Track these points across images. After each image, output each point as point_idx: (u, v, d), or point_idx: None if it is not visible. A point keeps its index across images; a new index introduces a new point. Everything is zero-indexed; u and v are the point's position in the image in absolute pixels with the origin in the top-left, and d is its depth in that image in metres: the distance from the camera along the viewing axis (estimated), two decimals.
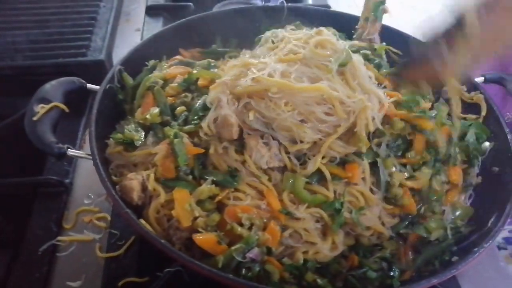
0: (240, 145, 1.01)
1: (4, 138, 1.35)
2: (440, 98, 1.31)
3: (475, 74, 1.31)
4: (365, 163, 1.02)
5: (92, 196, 1.20)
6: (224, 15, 1.44)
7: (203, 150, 1.01)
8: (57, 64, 1.46)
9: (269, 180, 1.00)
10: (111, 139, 1.09)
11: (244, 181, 0.99)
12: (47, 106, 1.05)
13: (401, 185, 1.04)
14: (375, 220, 1.02)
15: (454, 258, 0.97)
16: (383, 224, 1.04)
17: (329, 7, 1.83)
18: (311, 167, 0.99)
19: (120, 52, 1.61)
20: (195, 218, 0.93)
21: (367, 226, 1.01)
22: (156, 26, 1.78)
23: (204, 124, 1.02)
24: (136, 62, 1.25)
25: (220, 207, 0.98)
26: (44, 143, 1.00)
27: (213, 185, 0.97)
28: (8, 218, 1.23)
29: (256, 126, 1.00)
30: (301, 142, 0.99)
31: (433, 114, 1.21)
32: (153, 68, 1.25)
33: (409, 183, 1.06)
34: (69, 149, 1.00)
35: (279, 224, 0.96)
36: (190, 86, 1.17)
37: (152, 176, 0.99)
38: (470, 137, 1.16)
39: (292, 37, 1.10)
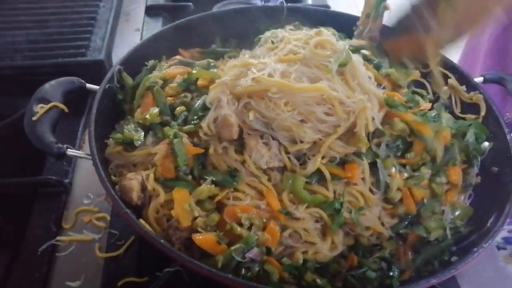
0: (240, 145, 1.01)
1: (3, 138, 1.35)
2: (440, 98, 1.32)
3: (474, 74, 1.31)
4: (365, 163, 1.02)
5: (91, 196, 1.19)
6: (224, 15, 1.44)
7: (202, 150, 1.01)
8: (57, 64, 1.46)
9: (269, 180, 1.00)
10: (110, 139, 1.09)
11: (243, 181, 0.99)
12: (47, 106, 1.05)
13: (399, 189, 1.04)
14: (374, 220, 1.02)
15: (454, 258, 0.97)
16: (382, 224, 1.04)
17: (328, 7, 1.83)
18: (310, 167, 0.99)
19: (120, 52, 1.61)
20: (195, 218, 0.93)
21: (366, 226, 1.01)
22: (155, 26, 1.78)
23: (204, 124, 1.02)
24: (136, 62, 1.25)
25: (219, 207, 0.98)
26: (43, 143, 1.00)
27: (213, 185, 0.97)
28: (8, 218, 1.23)
29: (256, 126, 1.00)
30: (301, 142, 0.99)
31: (433, 114, 1.21)
32: (153, 68, 1.25)
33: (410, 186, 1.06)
34: (68, 149, 1.00)
35: (278, 224, 0.96)
36: (190, 86, 1.17)
37: (151, 176, 0.99)
38: (470, 137, 1.16)
39: (292, 37, 1.10)
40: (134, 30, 1.77)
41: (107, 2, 1.77)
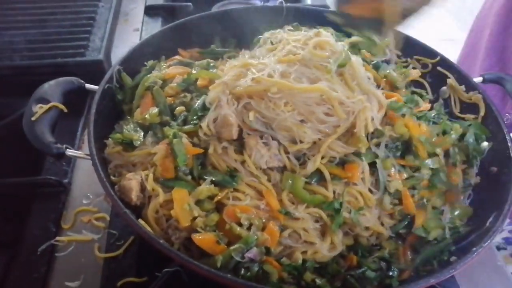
0: (240, 145, 1.01)
1: (2, 138, 1.34)
2: (440, 99, 1.32)
3: (473, 74, 1.31)
4: (364, 163, 1.03)
5: (90, 196, 1.19)
6: (223, 15, 1.44)
7: (202, 150, 1.01)
8: (56, 64, 1.45)
9: (269, 180, 1.00)
10: (110, 139, 1.09)
11: (243, 181, 0.99)
12: (46, 106, 1.05)
13: (398, 190, 1.05)
14: (374, 220, 1.02)
15: (453, 258, 0.97)
16: (382, 224, 1.04)
17: (327, 7, 1.83)
18: (310, 167, 0.99)
19: (119, 52, 1.61)
20: (194, 218, 0.93)
21: (366, 227, 1.01)
22: (155, 26, 1.78)
23: (203, 124, 1.02)
24: (135, 62, 1.25)
25: (219, 207, 0.98)
26: (42, 143, 0.99)
27: (212, 185, 0.97)
28: (7, 218, 1.23)
29: (256, 126, 1.00)
30: (301, 142, 0.99)
31: (432, 114, 1.21)
32: (152, 68, 1.25)
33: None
34: (67, 149, 1.00)
35: (278, 224, 0.96)
36: (189, 86, 1.17)
37: (151, 176, 0.99)
38: (469, 137, 1.16)
39: (291, 38, 1.10)
40: (133, 30, 1.77)
41: (106, 2, 1.77)
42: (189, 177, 1.00)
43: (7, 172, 1.22)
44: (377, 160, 1.04)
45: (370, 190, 1.03)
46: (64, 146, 1.00)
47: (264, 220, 0.95)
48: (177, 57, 1.33)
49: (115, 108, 1.19)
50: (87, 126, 1.05)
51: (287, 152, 1.01)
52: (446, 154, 1.15)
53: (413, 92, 1.28)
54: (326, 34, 1.09)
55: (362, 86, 1.05)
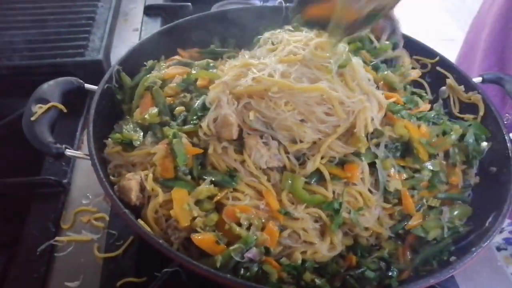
0: (239, 145, 1.01)
1: (2, 138, 1.34)
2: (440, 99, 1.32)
3: (472, 74, 1.31)
4: (364, 163, 1.03)
5: (90, 196, 1.19)
6: (223, 15, 1.44)
7: (202, 150, 1.01)
8: (55, 64, 1.45)
9: (268, 180, 1.00)
10: (109, 139, 1.09)
11: (243, 181, 0.99)
12: (45, 106, 1.05)
13: (397, 190, 1.05)
14: (374, 221, 1.02)
15: (452, 258, 0.97)
16: (381, 224, 1.04)
17: None
18: (310, 167, 0.99)
19: (118, 52, 1.61)
20: (194, 218, 0.93)
21: (365, 227, 1.01)
22: (154, 26, 1.77)
23: (203, 124, 1.02)
24: (134, 62, 1.25)
25: (218, 207, 0.98)
26: (42, 143, 0.99)
27: (212, 185, 0.97)
28: (6, 218, 1.23)
29: (256, 126, 1.00)
30: (301, 142, 0.99)
31: (432, 115, 1.21)
32: (152, 68, 1.25)
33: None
34: (67, 149, 1.00)
35: (277, 224, 0.96)
36: (189, 86, 1.17)
37: (150, 176, 0.99)
38: (469, 137, 1.16)
39: (292, 39, 1.10)
40: (132, 30, 1.77)
41: (106, 2, 1.77)
42: (189, 177, 1.00)
43: (6, 172, 1.22)
44: (376, 160, 1.04)
45: (370, 191, 1.03)
46: (64, 146, 1.00)
47: (263, 220, 0.95)
48: (176, 57, 1.33)
49: (115, 108, 1.19)
50: (86, 126, 1.05)
51: (287, 152, 1.01)
52: (446, 154, 1.16)
53: (412, 93, 1.28)
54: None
55: (362, 87, 1.05)
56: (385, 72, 1.23)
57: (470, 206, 1.11)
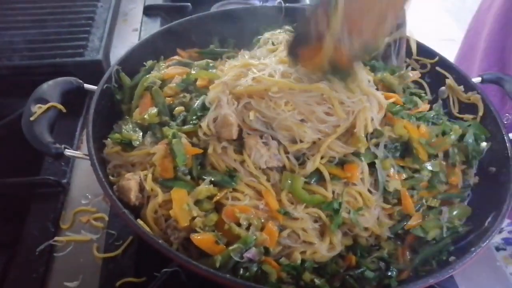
0: (239, 145, 1.01)
1: (1, 138, 1.34)
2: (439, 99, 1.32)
3: (472, 74, 1.31)
4: (364, 163, 1.03)
5: (89, 196, 1.19)
6: (222, 15, 1.44)
7: (201, 151, 1.01)
8: (55, 64, 1.45)
9: (268, 180, 1.00)
10: (108, 139, 1.09)
11: (242, 181, 0.99)
12: (45, 106, 1.05)
13: (397, 190, 1.05)
14: (373, 221, 1.02)
15: (452, 258, 0.97)
16: (381, 225, 1.04)
17: None
18: (310, 167, 0.99)
19: (118, 52, 1.61)
20: (193, 218, 0.93)
21: (365, 227, 1.01)
22: (154, 26, 1.77)
23: (203, 124, 1.02)
24: (134, 62, 1.25)
25: (218, 207, 0.97)
26: (41, 143, 0.99)
27: (211, 185, 0.97)
28: (6, 218, 1.23)
29: (256, 126, 1.00)
30: (301, 142, 0.99)
31: (432, 115, 1.21)
32: (151, 68, 1.25)
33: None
34: (66, 149, 1.00)
35: (277, 224, 0.96)
36: (189, 86, 1.17)
37: (149, 176, 0.98)
38: (469, 137, 1.16)
39: None
40: (132, 30, 1.77)
41: (105, 2, 1.77)
42: (188, 177, 1.00)
43: (5, 172, 1.22)
44: (376, 161, 1.04)
45: (369, 191, 1.03)
46: (63, 146, 1.00)
47: (263, 220, 0.95)
48: (176, 57, 1.33)
49: (114, 108, 1.19)
50: (85, 126, 1.05)
51: (286, 152, 1.01)
52: (445, 154, 1.16)
53: (411, 93, 1.28)
54: None
55: (362, 88, 1.05)
56: (384, 74, 1.23)
57: (469, 206, 1.11)
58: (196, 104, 1.09)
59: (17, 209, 1.18)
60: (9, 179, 1.21)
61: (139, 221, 0.91)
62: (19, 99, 1.22)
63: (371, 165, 1.04)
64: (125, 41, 1.70)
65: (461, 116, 1.26)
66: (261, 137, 1.00)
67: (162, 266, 0.93)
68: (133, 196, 0.97)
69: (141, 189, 0.99)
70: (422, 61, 1.36)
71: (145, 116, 1.09)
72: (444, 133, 1.18)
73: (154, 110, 1.10)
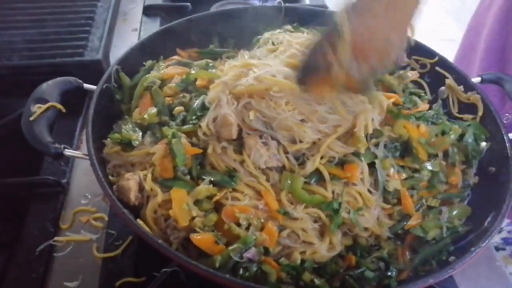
0: (239, 145, 1.01)
1: (1, 138, 1.34)
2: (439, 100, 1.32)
3: (471, 75, 1.31)
4: (364, 163, 1.03)
5: (89, 196, 1.19)
6: (222, 15, 1.44)
7: (201, 150, 1.01)
8: (54, 64, 1.45)
9: (267, 180, 1.00)
10: (108, 139, 1.09)
11: (242, 181, 0.99)
12: (44, 106, 1.05)
13: (397, 190, 1.05)
14: (373, 221, 1.02)
15: (451, 258, 0.97)
16: (381, 225, 1.04)
17: (326, 7, 1.83)
18: (309, 167, 0.99)
19: (118, 52, 1.60)
20: (193, 218, 0.93)
21: (365, 227, 1.01)
22: (153, 26, 1.77)
23: (203, 123, 1.02)
24: (133, 62, 1.25)
25: (217, 207, 0.98)
26: (41, 143, 0.99)
27: (211, 185, 0.97)
28: (5, 218, 1.23)
29: (256, 125, 1.00)
30: (301, 142, 0.99)
31: (431, 114, 1.21)
32: (151, 68, 1.25)
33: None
34: (66, 149, 1.00)
35: (276, 224, 0.96)
36: (188, 86, 1.17)
37: (149, 176, 0.98)
38: (469, 137, 1.16)
39: (294, 40, 1.10)
40: (132, 30, 1.77)
41: (105, 2, 1.77)
42: (188, 177, 1.00)
43: (5, 172, 1.22)
44: (376, 160, 1.04)
45: (369, 191, 1.03)
46: (63, 146, 1.00)
47: (262, 220, 0.95)
48: (175, 57, 1.33)
49: (114, 108, 1.18)
50: (85, 126, 1.05)
51: (286, 152, 1.00)
52: (445, 154, 1.16)
53: (411, 93, 1.28)
54: None
55: None
56: (384, 76, 1.23)
57: (469, 206, 1.11)
58: (196, 104, 1.09)
59: (17, 209, 1.18)
60: (9, 179, 1.21)
61: (139, 221, 0.91)
62: (18, 99, 1.22)
63: (371, 165, 1.04)
64: (125, 41, 1.70)
65: (460, 116, 1.26)
66: (260, 137, 1.00)
67: (162, 266, 0.93)
68: (133, 196, 0.97)
69: (141, 189, 0.99)
70: (421, 61, 1.36)
71: (145, 116, 1.08)
72: (443, 133, 1.18)
73: (153, 110, 1.10)
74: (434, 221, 1.05)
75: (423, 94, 1.31)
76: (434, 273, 0.88)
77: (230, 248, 0.88)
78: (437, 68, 1.33)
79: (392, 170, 1.06)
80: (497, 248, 1.50)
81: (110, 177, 1.04)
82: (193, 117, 1.06)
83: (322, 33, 0.97)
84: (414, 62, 1.36)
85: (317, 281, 0.92)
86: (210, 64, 1.25)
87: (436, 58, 1.33)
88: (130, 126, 1.10)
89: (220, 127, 1.00)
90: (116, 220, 1.12)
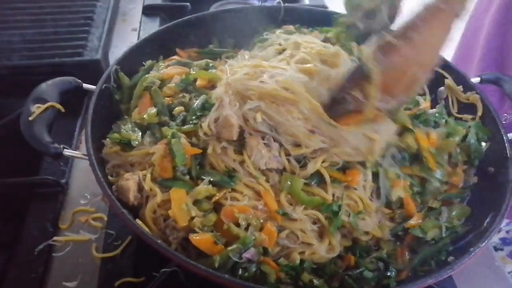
0: (239, 145, 1.01)
1: (0, 138, 1.34)
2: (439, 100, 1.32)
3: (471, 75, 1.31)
4: (368, 172, 1.02)
5: (88, 196, 1.19)
6: (221, 15, 1.44)
7: (201, 151, 1.01)
8: (53, 64, 1.45)
9: (267, 180, 1.00)
10: (107, 139, 1.09)
11: (241, 181, 0.98)
12: (43, 106, 1.05)
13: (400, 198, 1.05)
14: (374, 225, 1.02)
15: (450, 258, 0.97)
16: (382, 229, 1.03)
17: (326, 7, 1.83)
18: (311, 168, 0.98)
19: (117, 52, 1.61)
20: (192, 218, 0.93)
21: (365, 231, 1.01)
22: (153, 26, 1.77)
23: (204, 124, 1.01)
24: (133, 62, 1.25)
25: (217, 207, 0.97)
26: (40, 143, 0.99)
27: (210, 185, 0.97)
28: (5, 218, 1.23)
29: (261, 128, 0.99)
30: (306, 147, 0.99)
31: (434, 111, 1.21)
32: (150, 68, 1.25)
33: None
34: (65, 149, 1.00)
35: (275, 224, 0.95)
36: (188, 86, 1.17)
37: (148, 176, 0.98)
38: (471, 138, 1.16)
39: (303, 44, 1.12)
40: (131, 30, 1.77)
41: (104, 1, 1.77)
42: (187, 177, 1.00)
43: (4, 172, 1.22)
44: (380, 170, 1.04)
45: (370, 199, 1.03)
46: (62, 146, 1.00)
47: (262, 221, 0.95)
48: (175, 57, 1.33)
49: (113, 108, 1.18)
50: (84, 126, 1.05)
51: (287, 154, 1.00)
52: (449, 155, 1.15)
53: None
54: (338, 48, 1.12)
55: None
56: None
57: (468, 206, 1.11)
58: (196, 104, 1.08)
59: (16, 209, 1.18)
60: (8, 179, 1.21)
61: (138, 221, 0.91)
62: (18, 99, 1.21)
63: (375, 174, 1.04)
64: (124, 40, 1.70)
65: (460, 116, 1.26)
66: (262, 138, 1.00)
67: (161, 266, 0.93)
68: (132, 196, 0.97)
69: (140, 189, 0.99)
70: None
71: (144, 116, 1.08)
72: (448, 135, 1.18)
73: (153, 110, 1.10)
74: (433, 221, 1.04)
75: (422, 94, 1.31)
76: (433, 273, 0.88)
77: (229, 248, 0.88)
78: (436, 68, 1.33)
79: (397, 178, 1.05)
80: (495, 248, 1.50)
81: (109, 177, 1.03)
82: (193, 117, 1.06)
83: (349, 72, 0.99)
84: None
85: (316, 281, 0.92)
86: (210, 64, 1.25)
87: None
88: (129, 126, 1.10)
89: (221, 127, 1.00)
90: (115, 220, 1.12)
